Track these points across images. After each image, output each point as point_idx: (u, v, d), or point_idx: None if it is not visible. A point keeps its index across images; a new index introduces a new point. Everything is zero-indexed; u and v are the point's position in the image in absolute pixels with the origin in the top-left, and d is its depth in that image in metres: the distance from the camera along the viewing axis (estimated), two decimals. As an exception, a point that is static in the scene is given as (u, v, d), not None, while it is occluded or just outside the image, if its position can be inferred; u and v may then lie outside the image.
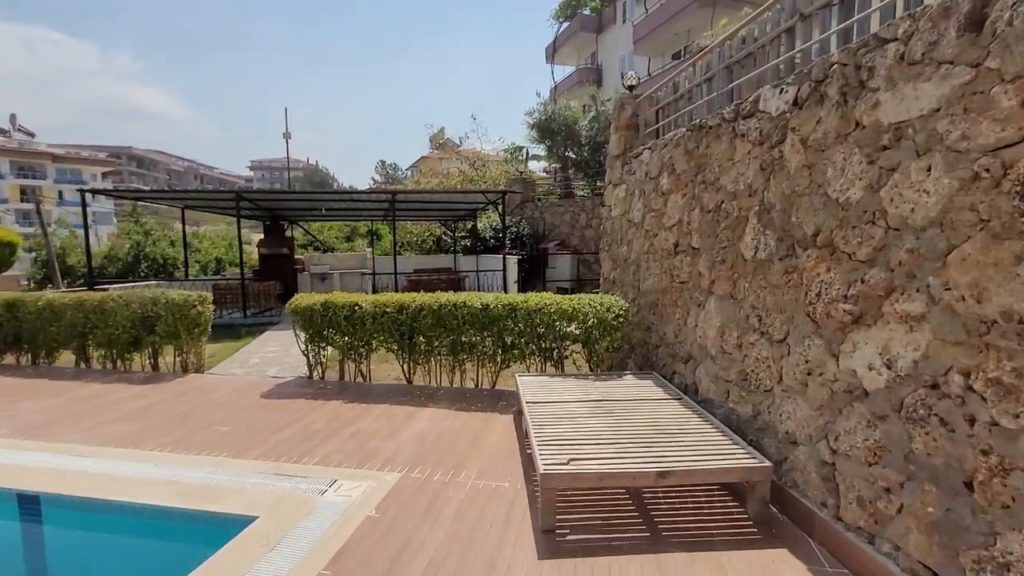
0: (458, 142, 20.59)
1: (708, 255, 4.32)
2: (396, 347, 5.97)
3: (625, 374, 5.11)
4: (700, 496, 3.29)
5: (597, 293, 6.47)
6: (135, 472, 3.62)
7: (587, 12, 33.27)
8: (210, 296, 6.90)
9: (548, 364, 5.69)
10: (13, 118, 67.19)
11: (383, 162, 58.09)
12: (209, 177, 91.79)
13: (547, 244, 15.22)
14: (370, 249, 29.32)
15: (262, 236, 15.44)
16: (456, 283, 13.41)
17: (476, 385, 5.90)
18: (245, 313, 11.20)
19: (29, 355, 7.30)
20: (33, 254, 16.61)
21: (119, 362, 6.94)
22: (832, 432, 2.80)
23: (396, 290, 12.03)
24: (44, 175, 62.50)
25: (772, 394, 3.36)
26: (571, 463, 3.08)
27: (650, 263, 5.62)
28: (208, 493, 3.34)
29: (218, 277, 12.14)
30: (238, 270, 21.34)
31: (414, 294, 6.02)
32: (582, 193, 16.30)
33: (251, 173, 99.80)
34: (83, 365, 7.11)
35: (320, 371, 6.34)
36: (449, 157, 27.78)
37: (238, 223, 11.05)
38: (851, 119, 2.77)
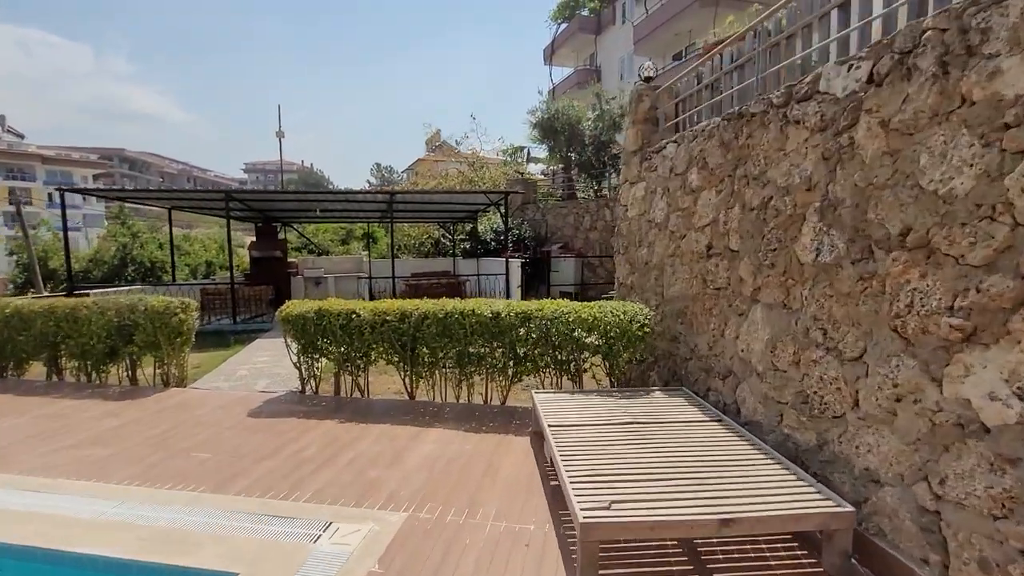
0: (456, 143, 20.14)
1: (751, 258, 3.83)
2: (397, 359, 5.45)
3: (652, 390, 4.62)
4: (762, 544, 2.79)
5: (608, 298, 5.99)
6: (92, 512, 3.08)
7: (586, 13, 32.99)
8: (194, 303, 6.36)
9: (564, 378, 5.20)
10: (2, 119, 66.21)
11: (379, 165, 57.42)
12: (202, 180, 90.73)
13: (550, 247, 14.74)
14: (366, 252, 28.77)
15: (253, 239, 14.88)
16: (456, 287, 12.90)
17: (485, 401, 5.39)
18: (235, 319, 10.64)
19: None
20: (14, 257, 15.93)
21: (94, 375, 6.37)
22: (935, 473, 2.31)
23: (394, 294, 11.50)
24: (33, 177, 61.47)
25: (844, 421, 2.87)
26: (613, 507, 2.58)
27: (676, 267, 5.14)
28: (179, 541, 2.81)
29: (207, 281, 11.56)
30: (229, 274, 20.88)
31: (417, 301, 5.51)
32: (585, 194, 15.84)
33: (245, 176, 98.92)
34: (55, 378, 6.54)
35: (314, 385, 5.81)
36: (447, 159, 27.33)
37: (227, 225, 10.49)
38: (955, 94, 2.30)
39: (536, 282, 13.79)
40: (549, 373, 5.22)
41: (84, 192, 10.37)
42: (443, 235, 17.85)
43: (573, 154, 15.20)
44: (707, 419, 3.87)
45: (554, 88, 38.43)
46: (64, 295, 10.26)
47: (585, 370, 5.19)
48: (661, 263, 5.50)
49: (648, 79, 6.68)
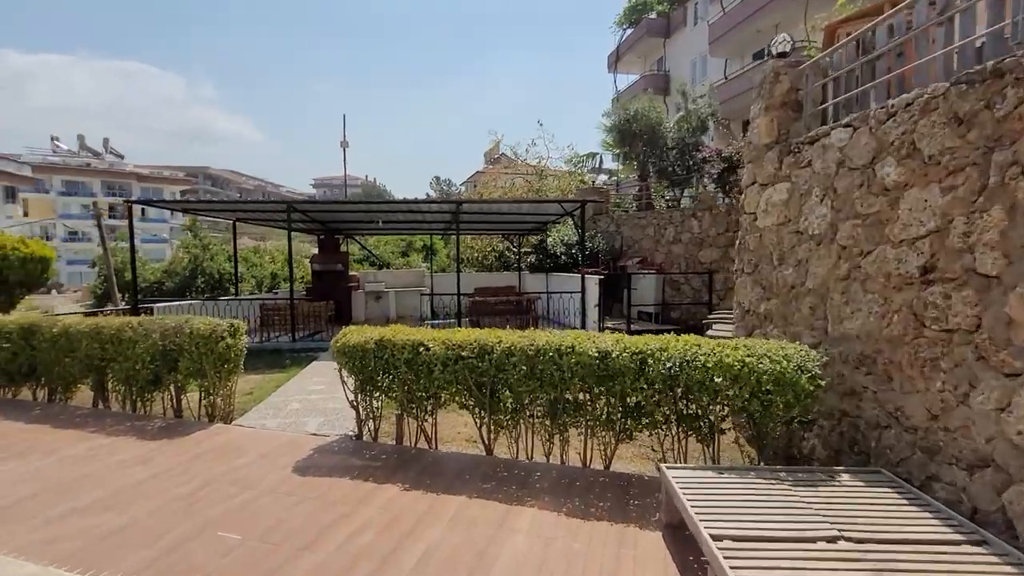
0: (523, 151, 19.17)
1: (1041, 289, 2.44)
2: (473, 403, 4.38)
3: (837, 472, 3.25)
4: None
5: (708, 325, 4.64)
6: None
7: (653, 16, 31.55)
8: (243, 326, 5.62)
9: (692, 438, 3.92)
10: (106, 142, 73.11)
11: (437, 178, 57.93)
12: (275, 194, 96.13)
13: (627, 261, 13.37)
14: (426, 265, 28.42)
15: (316, 251, 14.56)
16: (524, 305, 11.82)
17: (584, 462, 4.19)
18: (294, 336, 10.08)
19: (46, 389, 6.30)
20: (96, 268, 16.55)
21: (139, 403, 5.76)
22: None
23: (459, 311, 10.58)
24: (130, 193, 67.28)
25: None
26: None
27: (855, 295, 3.74)
28: None
29: (267, 296, 11.17)
30: (296, 286, 20.88)
31: (499, 332, 4.41)
32: (663, 204, 14.37)
33: (314, 191, 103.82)
34: (101, 405, 6.01)
35: (372, 429, 4.85)
36: (507, 171, 26.54)
37: (288, 237, 10.01)
38: None
39: (610, 300, 12.46)
40: (670, 431, 3.95)
41: (149, 204, 10.26)
42: (508, 248, 16.88)
43: (652, 160, 13.80)
44: (961, 538, 2.48)
45: (619, 95, 37.08)
46: (128, 309, 10.12)
47: (722, 431, 3.88)
48: (823, 288, 4.11)
49: (782, 54, 5.34)
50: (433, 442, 4.64)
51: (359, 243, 18.26)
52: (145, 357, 5.46)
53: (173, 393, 5.65)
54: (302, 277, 21.87)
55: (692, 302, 11.83)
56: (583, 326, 10.70)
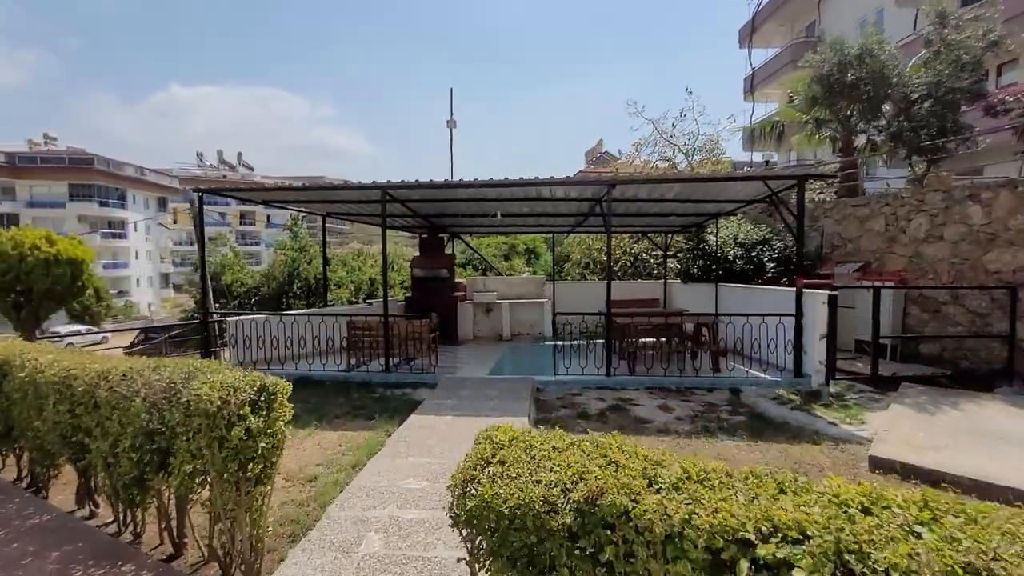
0: (665, 130, 15.48)
1: None
2: None
3: None
4: None
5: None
6: None
7: (804, -28, 26.12)
8: (286, 390, 2.95)
9: None
10: (239, 156, 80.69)
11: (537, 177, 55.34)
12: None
13: (834, 268, 9.36)
14: (530, 270, 25.51)
15: (417, 254, 12.25)
16: (688, 329, 8.36)
17: None
18: (387, 364, 7.61)
19: (29, 462, 4.18)
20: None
21: (128, 511, 3.35)
22: None
23: (608, 333, 7.42)
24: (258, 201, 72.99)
25: None
26: None
27: None
28: None
29: (356, 311, 8.87)
30: (396, 293, 18.81)
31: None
32: (895, 184, 10.09)
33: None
34: (88, 507, 3.72)
35: None
36: (608, 170, 22.85)
37: (383, 232, 7.59)
38: None
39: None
40: None
41: (215, 192, 8.33)
42: (647, 250, 13.43)
43: (875, 122, 9.59)
44: None
45: (753, 74, 31.81)
46: (197, 323, 8.29)
47: None
48: None
49: None
50: None
51: (465, 242, 15.84)
52: (124, 438, 3.01)
53: (170, 507, 3.15)
54: (402, 282, 20.10)
55: (969, 333, 7.60)
56: (797, 368, 7.04)
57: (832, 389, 6.82)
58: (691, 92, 28.11)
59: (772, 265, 9.24)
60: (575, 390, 6.99)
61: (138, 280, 52.83)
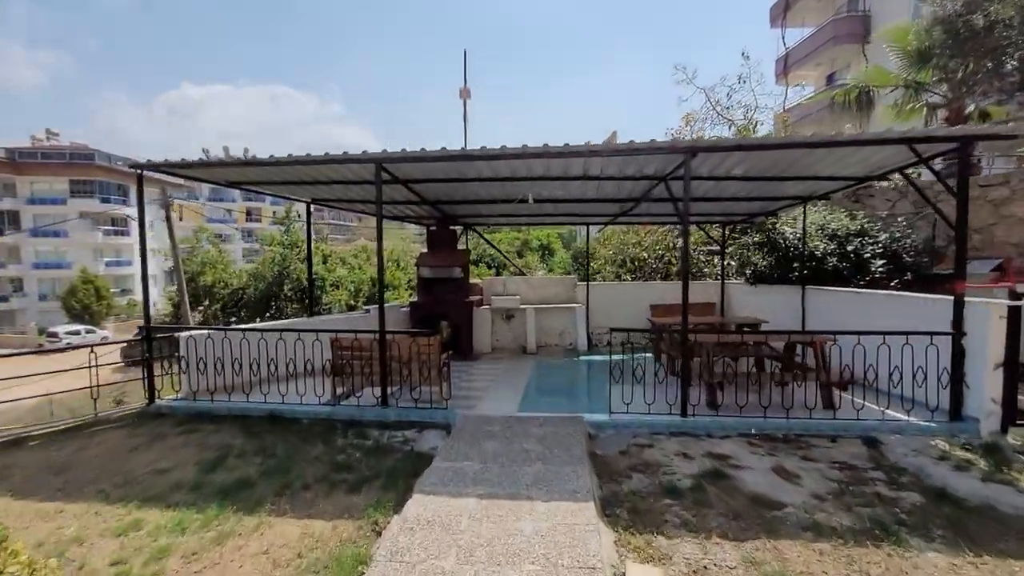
0: (721, 100, 13.38)
1: None
2: None
3: None
4: None
5: None
6: None
7: (849, -61, 23.84)
8: None
9: None
10: (245, 151, 79.51)
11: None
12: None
13: (977, 267, 7.30)
14: (545, 268, 23.60)
15: (424, 250, 10.31)
16: (786, 350, 6.33)
17: None
18: (384, 396, 5.70)
19: None
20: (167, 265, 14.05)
21: None
22: None
23: (657, 349, 5.41)
24: (263, 198, 71.99)
25: None
26: None
27: None
28: None
29: (343, 327, 6.96)
30: (403, 297, 16.74)
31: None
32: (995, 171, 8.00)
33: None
34: None
35: None
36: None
37: (378, 221, 5.62)
38: None
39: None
40: None
41: (153, 168, 6.27)
42: (702, 246, 11.32)
43: (999, 82, 7.50)
44: None
45: (787, 56, 29.51)
46: (139, 339, 6.44)
47: None
48: None
49: None
50: None
51: (483, 237, 13.85)
52: None
53: None
54: (409, 281, 18.15)
55: None
56: (955, 408, 5.02)
57: (1012, 440, 4.80)
58: (748, 57, 21.48)
59: (880, 263, 7.16)
60: (643, 438, 5.02)
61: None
